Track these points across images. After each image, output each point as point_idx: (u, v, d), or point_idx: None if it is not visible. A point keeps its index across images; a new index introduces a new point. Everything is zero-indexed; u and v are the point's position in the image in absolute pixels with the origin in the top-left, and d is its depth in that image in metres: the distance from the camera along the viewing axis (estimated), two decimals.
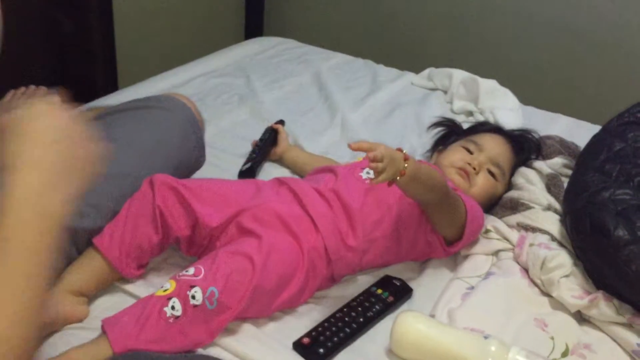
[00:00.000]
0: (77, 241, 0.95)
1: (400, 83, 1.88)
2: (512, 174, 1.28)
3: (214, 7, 2.44)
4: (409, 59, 2.20)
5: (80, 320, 0.95)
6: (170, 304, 0.89)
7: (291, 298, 1.00)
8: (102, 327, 0.89)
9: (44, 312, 0.61)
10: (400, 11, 2.38)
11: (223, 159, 1.41)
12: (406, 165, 0.93)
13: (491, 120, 1.60)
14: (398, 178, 0.93)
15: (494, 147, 1.25)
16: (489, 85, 1.71)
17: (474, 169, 1.21)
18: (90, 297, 0.99)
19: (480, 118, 1.65)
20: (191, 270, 0.93)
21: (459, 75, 1.79)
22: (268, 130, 1.46)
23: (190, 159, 1.16)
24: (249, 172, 1.34)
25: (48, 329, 0.92)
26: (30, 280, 0.59)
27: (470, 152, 1.24)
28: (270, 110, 1.64)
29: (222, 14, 2.50)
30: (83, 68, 2.07)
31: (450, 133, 1.38)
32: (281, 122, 1.51)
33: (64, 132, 0.67)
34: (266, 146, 1.41)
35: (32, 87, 1.38)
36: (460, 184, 1.19)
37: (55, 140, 0.65)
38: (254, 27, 2.52)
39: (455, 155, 1.24)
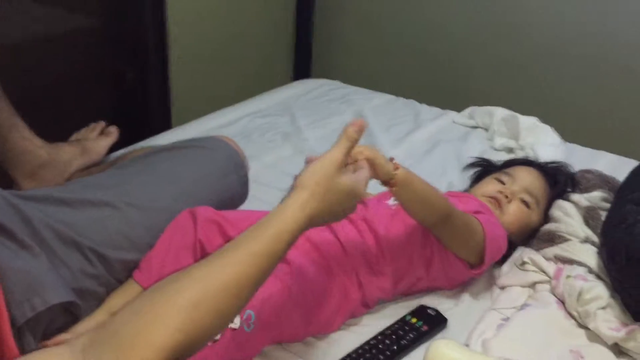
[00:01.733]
0: (113, 271, 0.99)
1: (442, 121, 1.91)
2: (547, 206, 1.29)
3: (264, 51, 2.56)
4: (451, 98, 2.23)
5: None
6: None
7: (324, 322, 1.03)
8: None
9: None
10: (442, 52, 2.43)
11: (267, 193, 1.46)
12: (396, 172, 0.96)
13: (532, 156, 1.61)
14: (396, 172, 0.96)
15: (526, 177, 1.26)
16: (529, 122, 1.73)
17: (506, 197, 1.22)
18: None
19: (521, 154, 1.66)
20: None
21: (499, 113, 1.81)
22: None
23: (231, 195, 1.20)
24: None
25: None
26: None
27: (503, 183, 1.26)
28: (313, 147, 1.70)
29: (272, 58, 2.61)
30: (139, 108, 2.19)
31: (485, 172, 1.39)
32: None
33: (345, 193, 0.84)
34: None
35: (92, 124, 1.50)
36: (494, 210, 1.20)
37: (334, 191, 0.83)
38: (302, 70, 2.61)
39: (488, 186, 1.26)
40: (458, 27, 2.37)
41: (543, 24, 2.21)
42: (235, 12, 2.41)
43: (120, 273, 0.99)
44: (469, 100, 2.04)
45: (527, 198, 1.24)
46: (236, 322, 0.93)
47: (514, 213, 1.22)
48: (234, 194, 1.20)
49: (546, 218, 1.28)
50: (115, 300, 1.00)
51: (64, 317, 0.89)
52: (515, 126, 1.73)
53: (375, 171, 0.96)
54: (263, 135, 1.77)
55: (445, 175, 1.60)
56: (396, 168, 0.97)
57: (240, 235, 0.77)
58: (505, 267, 1.22)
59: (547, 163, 1.38)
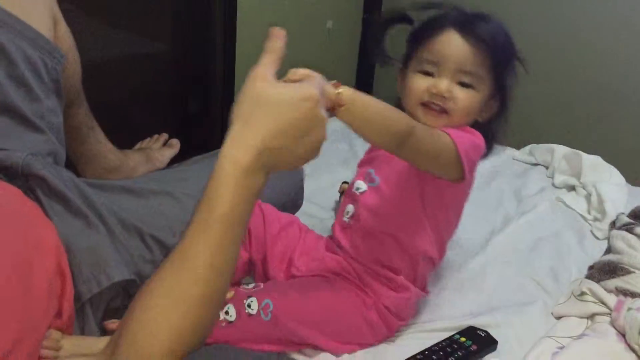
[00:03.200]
0: (141, 273, 1.01)
1: (501, 157, 1.89)
2: (499, 75, 0.99)
3: (326, 75, 2.61)
4: (511, 135, 2.21)
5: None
6: (225, 309, 0.93)
7: (345, 328, 1.02)
8: None
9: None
10: None
11: (317, 212, 1.48)
12: (339, 90, 0.80)
13: (594, 195, 1.56)
14: (337, 101, 0.80)
15: (452, 52, 0.95)
16: (592, 161, 1.68)
17: (443, 97, 0.95)
18: None
19: (583, 193, 1.62)
20: (251, 285, 0.98)
21: (561, 150, 1.78)
22: None
23: (285, 200, 1.22)
24: None
25: None
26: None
27: (430, 75, 0.98)
28: None
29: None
30: (203, 125, 2.27)
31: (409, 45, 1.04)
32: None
33: (291, 103, 0.67)
34: None
35: (155, 135, 1.56)
36: (434, 123, 0.95)
37: (272, 104, 0.67)
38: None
39: (414, 85, 0.98)
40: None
41: (606, 63, 2.18)
42: (301, 44, 2.48)
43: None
44: (528, 139, 2.01)
45: (466, 79, 0.96)
46: (254, 308, 0.94)
47: (461, 106, 0.96)
48: (287, 199, 1.21)
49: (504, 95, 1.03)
50: None
51: (122, 298, 0.91)
52: (577, 164, 1.69)
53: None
54: (321, 159, 1.77)
55: (502, 206, 1.57)
56: (337, 86, 0.81)
57: (190, 232, 0.68)
58: (562, 297, 1.17)
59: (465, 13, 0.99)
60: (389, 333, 1.07)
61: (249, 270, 1.11)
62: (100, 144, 1.27)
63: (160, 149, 1.49)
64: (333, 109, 0.82)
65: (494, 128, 1.05)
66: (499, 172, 1.77)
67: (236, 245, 0.68)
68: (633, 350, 1.04)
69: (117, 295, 0.90)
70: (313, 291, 1.02)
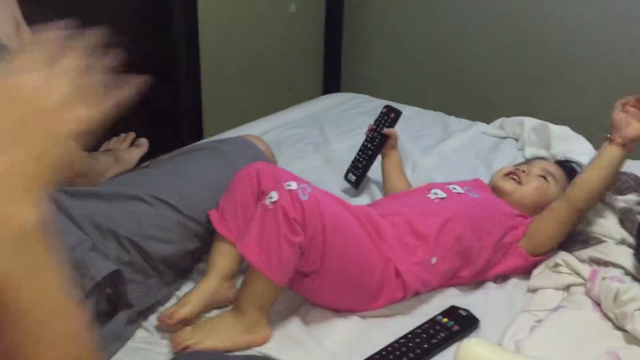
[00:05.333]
0: (149, 260, 1.02)
1: (472, 132, 1.91)
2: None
3: (294, 67, 2.60)
4: (480, 110, 2.23)
5: (231, 302, 1.06)
6: (269, 195, 0.99)
7: (372, 291, 1.06)
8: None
9: None
10: (470, 65, 2.43)
11: None
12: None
13: None
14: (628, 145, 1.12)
15: (541, 162, 1.35)
16: (561, 131, 1.71)
17: (523, 171, 1.29)
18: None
19: None
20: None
21: (530, 122, 1.80)
22: (385, 118, 1.49)
23: None
24: (353, 184, 1.50)
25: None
26: None
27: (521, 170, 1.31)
28: (341, 157, 1.71)
29: (302, 73, 2.64)
30: (171, 122, 2.24)
31: None
32: (397, 113, 1.48)
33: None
34: (373, 155, 1.49)
35: (122, 135, 1.53)
36: (509, 186, 1.27)
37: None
38: (331, 85, 2.64)
39: (505, 168, 1.34)
40: (484, 41, 2.37)
41: (573, 34, 2.20)
42: (266, 30, 2.45)
43: (157, 265, 1.02)
44: (497, 113, 2.03)
45: (545, 174, 1.29)
46: (293, 186, 0.98)
47: (533, 185, 1.27)
48: None
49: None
50: (217, 259, 1.09)
51: (107, 300, 0.91)
52: (546, 135, 1.71)
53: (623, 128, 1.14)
54: (293, 145, 1.78)
55: None
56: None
57: None
58: (537, 269, 1.20)
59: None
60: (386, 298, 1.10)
61: None
62: (71, 150, 1.25)
63: (129, 150, 1.46)
64: (624, 145, 1.15)
65: None
66: (470, 147, 1.79)
67: None
68: (609, 319, 1.07)
69: (101, 298, 0.90)
70: (348, 214, 1.07)
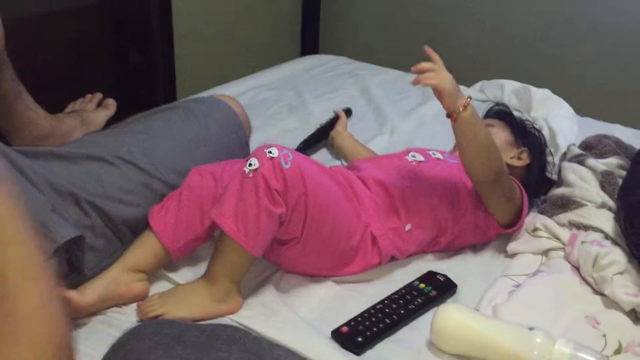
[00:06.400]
0: (111, 225, 0.97)
1: None
2: (512, 126, 1.29)
3: (271, 28, 2.52)
4: (461, 74, 2.19)
5: (140, 298, 0.97)
6: (248, 161, 0.94)
7: (346, 251, 1.03)
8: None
9: None
10: (451, 28, 2.38)
11: None
12: (463, 109, 1.01)
13: (545, 128, 1.56)
14: (460, 109, 1.01)
15: None
16: (541, 94, 1.68)
17: None
18: (150, 275, 1.01)
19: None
20: None
21: (510, 85, 1.77)
22: (332, 118, 1.54)
23: (230, 156, 1.18)
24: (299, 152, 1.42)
25: (107, 305, 0.95)
26: None
27: None
28: (318, 119, 1.66)
29: (279, 35, 2.57)
30: (144, 84, 2.16)
31: None
32: (348, 110, 1.58)
33: None
34: (323, 131, 1.49)
35: (89, 96, 1.46)
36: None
37: None
38: (309, 47, 2.57)
39: None
40: (467, 2, 2.32)
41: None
42: None
43: (120, 228, 0.97)
44: (479, 77, 1.99)
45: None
46: (274, 153, 0.95)
47: None
48: (232, 154, 1.16)
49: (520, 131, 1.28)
50: (132, 254, 0.99)
51: (66, 264, 0.86)
52: (527, 98, 1.68)
53: (442, 98, 1.02)
54: (269, 108, 1.73)
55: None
56: (465, 106, 1.02)
57: None
58: (515, 234, 1.17)
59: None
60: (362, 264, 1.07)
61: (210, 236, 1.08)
62: (29, 110, 1.19)
63: (95, 111, 1.40)
64: (449, 116, 1.04)
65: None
66: None
67: None
68: (588, 283, 1.05)
69: (60, 262, 0.86)
70: (330, 178, 1.04)
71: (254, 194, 0.92)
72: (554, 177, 1.31)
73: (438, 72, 1.03)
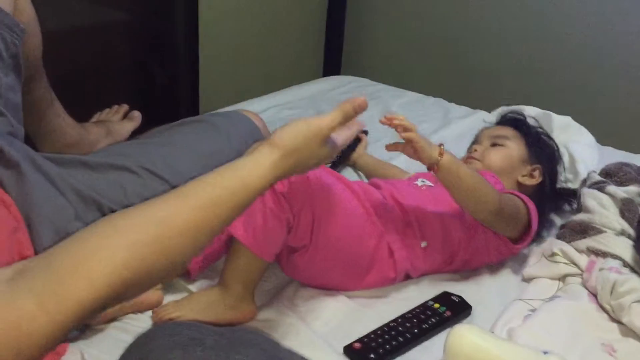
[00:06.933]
0: None
1: (472, 120, 1.87)
2: (527, 142, 1.29)
3: (295, 48, 2.55)
4: (482, 99, 2.19)
5: (154, 307, 0.98)
6: None
7: (361, 267, 1.03)
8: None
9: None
10: (474, 53, 2.40)
11: None
12: (440, 157, 0.99)
13: (566, 154, 1.55)
14: (439, 158, 0.98)
15: (487, 130, 1.34)
16: (563, 121, 1.67)
17: (476, 150, 1.29)
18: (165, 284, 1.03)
19: None
20: None
21: (531, 111, 1.75)
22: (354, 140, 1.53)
23: None
24: None
25: (123, 312, 0.96)
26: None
27: (475, 151, 1.31)
28: None
29: (302, 55, 2.60)
30: (168, 101, 2.20)
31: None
32: (365, 132, 1.62)
33: (318, 158, 0.82)
34: (348, 152, 1.51)
35: (115, 107, 1.50)
36: (473, 167, 1.23)
37: (308, 157, 0.80)
38: (331, 68, 2.60)
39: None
40: (490, 28, 2.33)
41: (577, 27, 2.17)
42: (267, 9, 2.41)
43: None
44: (499, 102, 1.99)
45: (497, 140, 1.28)
46: None
47: (493, 158, 1.26)
48: None
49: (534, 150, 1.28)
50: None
51: None
52: (548, 124, 1.67)
53: (417, 154, 1.00)
54: None
55: None
56: (441, 154, 0.99)
57: (207, 178, 0.71)
58: (533, 258, 1.17)
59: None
60: (375, 278, 1.07)
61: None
62: (59, 118, 1.22)
63: (121, 122, 1.43)
64: (430, 168, 1.01)
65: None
66: (470, 135, 1.74)
67: (239, 211, 0.72)
68: (605, 311, 1.04)
69: None
70: (341, 185, 1.05)
71: (259, 199, 0.93)
72: (567, 185, 1.35)
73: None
